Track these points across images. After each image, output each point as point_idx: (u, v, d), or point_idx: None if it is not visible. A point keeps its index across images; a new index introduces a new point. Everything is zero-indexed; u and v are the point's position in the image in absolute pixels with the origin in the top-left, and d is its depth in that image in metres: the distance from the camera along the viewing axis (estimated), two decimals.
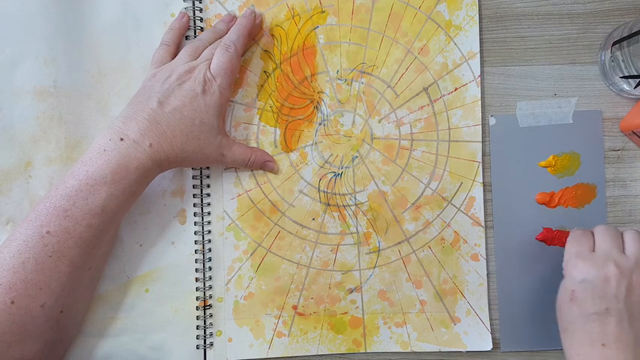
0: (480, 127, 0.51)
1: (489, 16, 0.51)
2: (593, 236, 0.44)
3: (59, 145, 0.49)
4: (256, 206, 0.50)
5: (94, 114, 0.49)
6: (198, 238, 0.50)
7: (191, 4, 0.50)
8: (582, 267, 0.42)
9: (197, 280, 0.50)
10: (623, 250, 0.42)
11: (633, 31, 0.47)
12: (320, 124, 0.51)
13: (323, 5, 0.51)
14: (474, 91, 0.51)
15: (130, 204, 0.44)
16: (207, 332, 0.50)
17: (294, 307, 0.50)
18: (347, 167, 0.51)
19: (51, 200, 0.41)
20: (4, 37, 0.48)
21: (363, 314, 0.51)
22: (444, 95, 0.51)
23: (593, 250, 0.43)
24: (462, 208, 0.51)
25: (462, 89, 0.51)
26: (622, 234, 0.44)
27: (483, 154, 0.51)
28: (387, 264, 0.51)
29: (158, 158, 0.43)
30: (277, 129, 0.51)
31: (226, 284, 0.50)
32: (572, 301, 0.42)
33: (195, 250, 0.50)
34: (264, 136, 0.51)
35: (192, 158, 0.45)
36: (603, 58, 0.51)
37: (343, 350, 0.50)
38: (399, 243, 0.51)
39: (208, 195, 0.50)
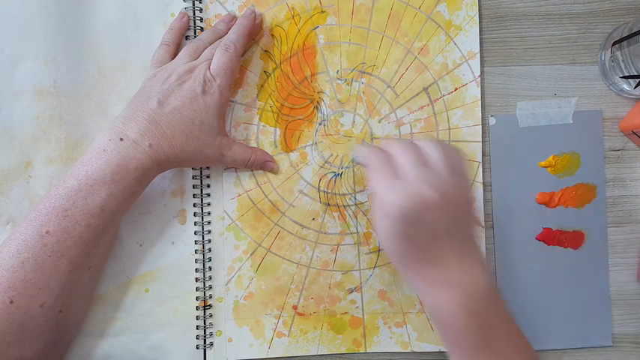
0: (479, 127, 0.51)
1: (489, 16, 0.51)
2: (388, 154, 0.40)
3: (59, 145, 0.49)
4: (256, 206, 0.50)
5: (94, 114, 0.49)
6: (198, 238, 0.50)
7: (191, 4, 0.50)
8: (396, 199, 0.37)
9: (197, 280, 0.50)
10: (425, 164, 0.39)
11: (633, 31, 0.47)
12: (320, 124, 0.51)
13: (323, 5, 0.51)
14: (474, 91, 0.51)
15: (130, 204, 0.44)
16: (207, 332, 0.50)
17: (294, 307, 0.50)
18: (347, 167, 0.51)
19: (50, 200, 0.41)
20: (4, 37, 0.48)
21: (363, 314, 0.51)
22: (444, 95, 0.51)
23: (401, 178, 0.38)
24: None
25: (462, 89, 0.51)
26: (417, 145, 0.40)
27: (483, 154, 0.51)
28: (387, 264, 0.51)
29: (158, 158, 0.43)
30: (277, 129, 0.51)
31: (226, 284, 0.50)
32: (399, 238, 0.38)
33: (195, 250, 0.50)
34: (264, 136, 0.51)
35: (192, 158, 0.45)
36: (603, 58, 0.51)
37: (343, 350, 0.50)
38: None
39: (208, 195, 0.50)
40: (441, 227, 0.38)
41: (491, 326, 0.38)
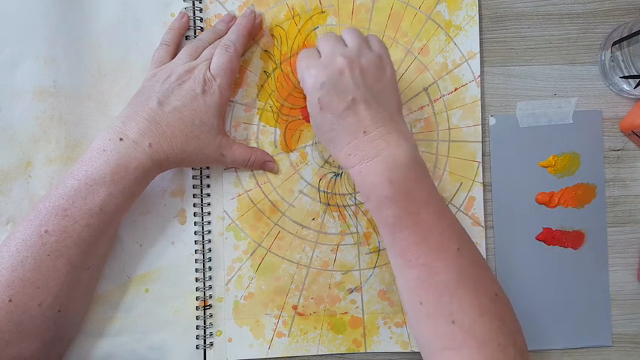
0: (480, 127, 0.51)
1: (489, 16, 0.51)
2: (317, 49, 0.44)
3: (59, 145, 0.49)
4: (256, 206, 0.50)
5: (94, 114, 0.49)
6: (198, 238, 0.50)
7: (191, 4, 0.50)
8: (315, 73, 0.41)
9: (197, 280, 0.50)
10: (342, 43, 0.43)
11: (633, 31, 0.47)
12: None
13: (323, 5, 0.51)
14: (474, 91, 0.51)
15: (130, 204, 0.44)
16: (207, 332, 0.50)
17: (294, 307, 0.50)
18: None
19: (50, 200, 0.41)
20: (4, 37, 0.48)
21: (363, 314, 0.51)
22: (443, 95, 0.51)
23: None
24: (461, 208, 0.51)
25: (462, 89, 0.51)
26: (339, 33, 0.45)
27: (483, 154, 0.51)
28: (387, 264, 0.51)
29: (158, 158, 0.43)
30: (277, 129, 0.51)
31: (226, 284, 0.50)
32: (322, 109, 0.41)
33: (195, 250, 0.50)
34: (264, 136, 0.51)
35: (192, 158, 0.45)
36: (603, 58, 0.51)
37: (343, 350, 0.50)
38: None
39: (208, 195, 0.50)
40: (356, 94, 0.41)
41: (415, 199, 0.39)
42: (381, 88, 0.42)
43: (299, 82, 0.50)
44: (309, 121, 0.51)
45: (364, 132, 0.40)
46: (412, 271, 0.39)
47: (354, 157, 0.41)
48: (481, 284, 0.39)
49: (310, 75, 0.42)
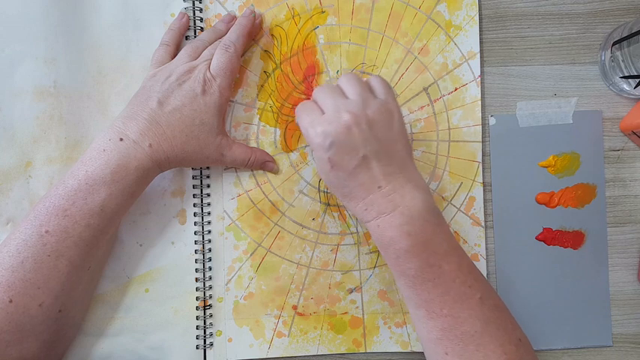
0: (479, 127, 0.51)
1: (489, 16, 0.51)
2: (317, 102, 0.42)
3: (59, 145, 0.49)
4: (256, 206, 0.50)
5: (94, 114, 0.49)
6: (198, 238, 0.50)
7: (191, 4, 0.50)
8: (321, 131, 0.40)
9: (197, 280, 0.50)
10: (343, 96, 0.41)
11: (633, 31, 0.47)
12: None
13: (323, 5, 0.51)
14: (474, 91, 0.51)
15: (130, 204, 0.44)
16: (207, 332, 0.50)
17: (294, 307, 0.50)
18: None
19: (50, 200, 0.41)
20: (4, 37, 0.48)
21: (363, 314, 0.51)
22: (444, 95, 0.51)
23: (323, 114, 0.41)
24: (461, 208, 0.51)
25: (462, 89, 0.51)
26: (337, 83, 0.43)
27: (483, 154, 0.51)
28: (387, 264, 0.50)
29: (158, 158, 0.43)
30: (277, 129, 0.51)
31: (226, 284, 0.50)
32: (333, 168, 0.40)
33: (195, 250, 0.50)
34: (264, 136, 0.51)
35: (192, 158, 0.45)
36: (603, 58, 0.51)
37: (343, 350, 0.50)
38: None
39: (208, 195, 0.50)
40: (367, 150, 0.39)
41: (434, 250, 0.39)
42: (390, 138, 0.41)
43: (301, 79, 0.50)
44: None
45: (378, 187, 0.40)
46: (436, 322, 0.39)
47: (371, 212, 0.40)
48: (504, 331, 0.39)
49: (317, 134, 0.40)
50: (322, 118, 0.40)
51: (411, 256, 0.39)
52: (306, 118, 0.41)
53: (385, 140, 0.40)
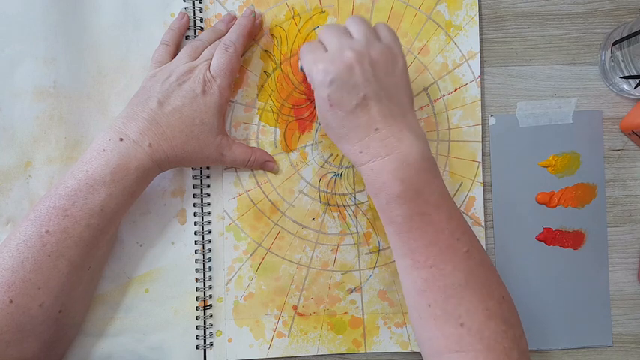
0: (479, 127, 0.51)
1: (489, 16, 0.51)
2: (321, 42, 0.42)
3: (59, 145, 0.49)
4: (256, 206, 0.50)
5: (94, 114, 0.49)
6: (198, 238, 0.50)
7: (191, 4, 0.50)
8: (323, 67, 0.39)
9: (197, 280, 0.50)
10: (348, 35, 0.41)
11: (633, 31, 0.47)
12: (320, 124, 0.51)
13: (323, 5, 0.51)
14: (474, 91, 0.51)
15: (130, 204, 0.44)
16: (207, 332, 0.50)
17: (294, 307, 0.50)
18: (347, 167, 0.51)
19: (50, 200, 0.41)
20: (4, 37, 0.48)
21: (363, 314, 0.51)
22: (443, 95, 0.51)
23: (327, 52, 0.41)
24: (462, 208, 0.51)
25: (462, 89, 0.51)
26: (343, 24, 0.43)
27: (483, 154, 0.51)
28: (386, 264, 0.51)
29: (158, 158, 0.43)
30: (277, 129, 0.51)
31: (226, 284, 0.50)
32: (332, 106, 0.40)
33: (195, 250, 0.50)
34: (264, 136, 0.51)
35: (192, 158, 0.45)
36: (603, 58, 0.51)
37: (343, 350, 0.50)
38: None
39: (208, 195, 0.50)
40: (367, 90, 0.39)
41: (425, 199, 0.39)
42: (392, 82, 0.41)
43: (301, 79, 0.50)
44: (300, 120, 0.51)
45: (376, 129, 0.39)
46: (420, 272, 0.39)
47: (365, 155, 0.40)
48: (489, 287, 0.39)
49: (318, 70, 0.40)
50: (325, 56, 0.40)
51: (402, 202, 0.38)
52: (309, 55, 0.41)
53: (387, 83, 0.40)
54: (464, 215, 0.50)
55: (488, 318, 0.38)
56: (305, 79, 0.50)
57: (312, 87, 0.42)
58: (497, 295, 0.39)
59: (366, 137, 0.40)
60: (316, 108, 0.42)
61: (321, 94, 0.40)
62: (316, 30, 0.51)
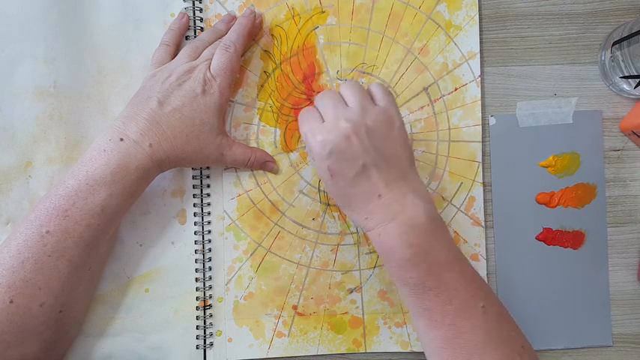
0: (479, 127, 0.51)
1: (489, 16, 0.51)
2: (318, 109, 0.42)
3: (59, 145, 0.49)
4: (256, 206, 0.50)
5: (94, 114, 0.49)
6: (198, 238, 0.50)
7: (191, 4, 0.50)
8: (321, 139, 0.40)
9: (197, 280, 0.50)
10: (343, 104, 0.41)
11: (633, 31, 0.47)
12: None
13: (323, 5, 0.51)
14: (474, 91, 0.51)
15: (130, 204, 0.44)
16: (207, 332, 0.50)
17: (294, 307, 0.50)
18: None
19: (50, 200, 0.41)
20: (4, 37, 0.48)
21: (363, 314, 0.51)
22: (444, 95, 0.51)
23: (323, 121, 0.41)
24: (461, 208, 0.51)
25: (462, 89, 0.51)
26: (339, 91, 0.43)
27: (483, 154, 0.51)
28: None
29: (158, 158, 0.43)
30: (277, 129, 0.51)
31: (226, 284, 0.50)
32: (333, 176, 0.40)
33: (195, 250, 0.50)
34: (264, 136, 0.51)
35: (192, 158, 0.45)
36: (603, 58, 0.51)
37: (343, 350, 0.50)
38: None
39: (208, 195, 0.50)
40: (366, 159, 0.39)
41: (436, 260, 0.39)
42: (390, 146, 0.40)
43: (299, 83, 0.50)
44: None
45: (379, 196, 0.39)
46: (438, 332, 0.39)
47: (371, 221, 0.40)
48: (508, 339, 0.39)
49: (316, 142, 0.40)
50: (322, 127, 0.40)
51: (412, 265, 0.38)
52: (307, 125, 0.41)
53: (385, 149, 0.40)
54: (463, 215, 0.50)
55: None
56: (305, 79, 0.50)
57: (311, 156, 0.42)
58: (517, 347, 0.39)
59: (370, 204, 0.40)
60: (321, 179, 0.42)
61: (321, 166, 0.40)
62: (316, 30, 0.51)
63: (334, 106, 0.41)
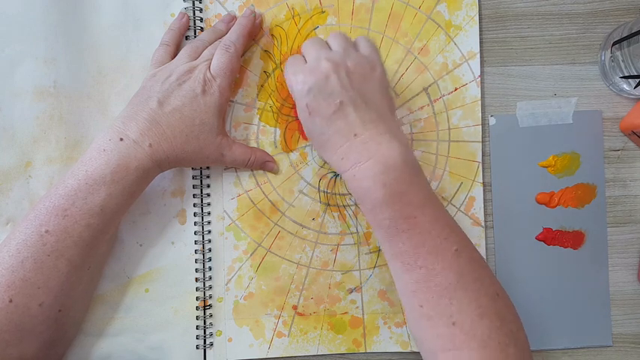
0: (479, 127, 0.51)
1: (489, 16, 0.51)
2: (303, 55, 0.44)
3: (59, 145, 0.49)
4: (256, 206, 0.50)
5: (94, 114, 0.49)
6: (198, 238, 0.50)
7: (191, 4, 0.50)
8: (302, 78, 0.41)
9: (197, 280, 0.50)
10: (326, 48, 0.43)
11: (633, 31, 0.47)
12: None
13: (323, 5, 0.51)
14: (474, 91, 0.51)
15: (130, 204, 0.44)
16: (207, 332, 0.50)
17: (294, 307, 0.50)
18: None
19: (50, 200, 0.41)
20: (4, 37, 0.48)
21: (363, 314, 0.51)
22: (443, 95, 0.51)
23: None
24: (461, 208, 0.51)
25: (462, 89, 0.51)
26: (325, 38, 0.45)
27: (483, 154, 0.51)
28: (387, 264, 0.50)
29: (158, 158, 0.43)
30: (277, 129, 0.51)
31: (226, 284, 0.50)
32: (311, 114, 0.41)
33: (195, 250, 0.50)
34: (264, 136, 0.51)
35: (192, 158, 0.45)
36: (603, 58, 0.51)
37: (343, 350, 0.50)
38: None
39: (208, 195, 0.50)
40: (344, 97, 0.40)
41: (410, 202, 0.39)
42: (369, 89, 0.42)
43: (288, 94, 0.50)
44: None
45: (355, 135, 0.40)
46: (411, 275, 0.39)
47: (347, 161, 0.40)
48: (481, 284, 0.39)
49: (297, 81, 0.42)
50: (304, 67, 0.42)
51: (386, 206, 0.38)
52: (290, 68, 0.43)
53: (364, 90, 0.41)
54: (463, 215, 0.50)
55: (480, 316, 0.38)
56: (295, 108, 0.51)
57: (293, 98, 0.43)
58: (490, 292, 0.39)
59: (346, 143, 0.40)
60: (299, 118, 0.43)
61: (300, 104, 0.42)
62: (316, 30, 0.51)
63: (318, 49, 0.43)
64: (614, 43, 0.49)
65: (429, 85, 0.51)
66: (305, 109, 0.41)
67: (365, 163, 0.39)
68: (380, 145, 0.39)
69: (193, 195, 0.50)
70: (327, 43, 0.44)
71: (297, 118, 0.51)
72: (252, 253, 0.50)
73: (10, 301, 0.40)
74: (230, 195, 0.50)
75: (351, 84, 0.41)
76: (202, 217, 0.50)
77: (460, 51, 0.51)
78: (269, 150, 0.50)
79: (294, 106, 0.51)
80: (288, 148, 0.51)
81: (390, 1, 0.51)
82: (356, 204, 0.51)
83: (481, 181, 0.51)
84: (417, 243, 0.39)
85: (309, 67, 0.42)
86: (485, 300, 0.38)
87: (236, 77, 0.50)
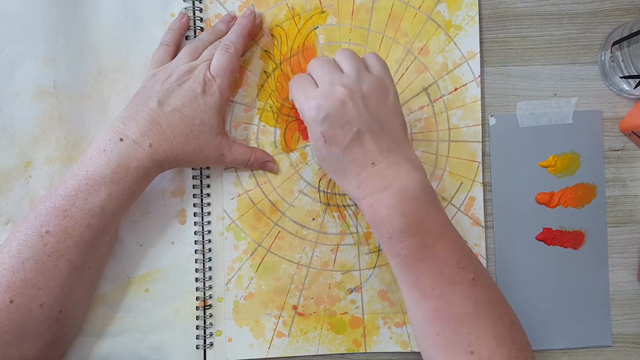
0: (479, 127, 0.51)
1: (489, 16, 0.51)
2: (311, 75, 0.42)
3: (59, 145, 0.49)
4: (256, 206, 0.50)
5: (94, 114, 0.49)
6: (198, 238, 0.50)
7: (191, 4, 0.50)
8: (315, 105, 0.39)
9: (197, 280, 0.50)
10: (338, 70, 0.41)
11: (633, 31, 0.47)
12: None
13: (323, 5, 0.51)
14: (474, 91, 0.51)
15: (130, 204, 0.44)
16: (207, 332, 0.50)
17: (294, 307, 0.50)
18: None
19: (50, 200, 0.41)
20: (4, 37, 0.48)
21: (363, 314, 0.51)
22: (443, 95, 0.51)
23: (317, 87, 0.41)
24: (461, 208, 0.51)
25: (462, 89, 0.51)
26: (334, 57, 0.42)
27: (483, 154, 0.51)
28: (387, 264, 0.51)
29: (158, 158, 0.43)
30: (277, 129, 0.51)
31: (226, 284, 0.50)
32: (327, 142, 0.39)
33: (195, 250, 0.50)
34: (264, 136, 0.51)
35: (192, 158, 0.45)
36: (603, 58, 0.51)
37: (343, 350, 0.50)
38: None
39: (208, 195, 0.50)
40: (361, 125, 0.39)
41: (428, 231, 0.38)
42: (385, 114, 0.40)
43: (292, 106, 0.50)
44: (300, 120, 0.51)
45: (372, 163, 0.39)
46: (428, 303, 0.39)
47: (363, 190, 0.39)
48: (498, 313, 0.39)
49: (310, 107, 0.39)
50: (316, 92, 0.40)
51: (405, 236, 0.38)
52: (300, 91, 0.41)
53: (380, 116, 0.40)
54: (463, 215, 0.50)
55: (498, 344, 0.37)
56: (295, 108, 0.50)
57: (304, 122, 0.42)
58: (506, 321, 0.39)
59: (363, 172, 0.39)
60: (311, 144, 0.41)
61: (314, 132, 0.40)
62: (316, 30, 0.51)
63: (330, 72, 0.40)
64: (614, 43, 0.49)
65: (429, 85, 0.51)
66: (320, 137, 0.40)
67: (383, 192, 0.38)
68: (398, 174, 0.39)
69: (193, 195, 0.50)
70: (336, 63, 0.42)
71: (297, 118, 0.51)
72: (252, 253, 0.50)
73: (11, 301, 0.40)
74: (230, 195, 0.50)
75: (367, 110, 0.39)
76: (202, 217, 0.50)
77: (460, 51, 0.51)
78: (269, 150, 0.50)
79: (294, 106, 0.51)
80: (288, 148, 0.51)
81: (390, 1, 0.51)
82: (356, 204, 0.51)
83: (481, 181, 0.51)
84: (435, 272, 0.38)
85: (322, 93, 0.39)
86: (502, 329, 0.38)
87: (236, 77, 0.50)
